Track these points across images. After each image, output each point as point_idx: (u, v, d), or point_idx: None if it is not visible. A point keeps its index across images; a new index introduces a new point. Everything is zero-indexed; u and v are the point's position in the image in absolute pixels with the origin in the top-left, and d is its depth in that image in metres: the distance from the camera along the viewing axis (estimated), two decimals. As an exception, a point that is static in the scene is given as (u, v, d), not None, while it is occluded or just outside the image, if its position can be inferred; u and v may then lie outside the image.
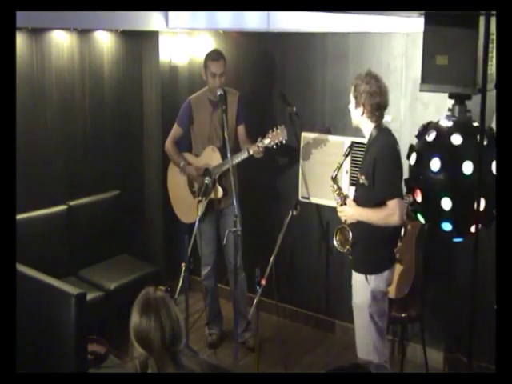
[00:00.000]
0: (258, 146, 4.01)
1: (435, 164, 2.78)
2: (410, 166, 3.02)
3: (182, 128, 4.35)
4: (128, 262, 4.75)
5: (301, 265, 4.72)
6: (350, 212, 3.31)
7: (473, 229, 2.70)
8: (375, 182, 3.18)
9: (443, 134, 2.80)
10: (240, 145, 4.28)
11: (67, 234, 4.44)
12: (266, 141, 4.02)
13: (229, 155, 3.91)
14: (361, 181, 3.26)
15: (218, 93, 4.07)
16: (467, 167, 2.69)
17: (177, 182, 4.46)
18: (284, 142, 4.05)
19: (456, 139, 2.76)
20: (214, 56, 4.17)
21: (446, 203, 2.72)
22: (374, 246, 3.30)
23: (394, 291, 3.61)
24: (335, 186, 3.40)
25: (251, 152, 4.05)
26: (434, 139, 2.82)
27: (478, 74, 2.51)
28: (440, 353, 4.12)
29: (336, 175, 3.44)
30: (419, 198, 2.90)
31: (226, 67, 4.20)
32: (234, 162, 4.01)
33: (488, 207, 2.59)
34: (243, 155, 4.08)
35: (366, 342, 3.34)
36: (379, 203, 3.17)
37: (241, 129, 4.30)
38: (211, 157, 4.22)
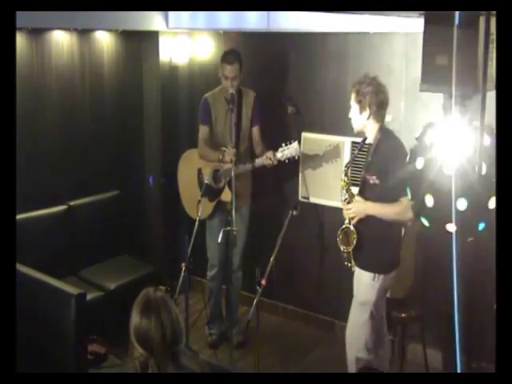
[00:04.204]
0: (271, 159, 4.02)
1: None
2: (416, 168, 2.93)
3: (207, 125, 4.28)
4: (128, 262, 4.76)
5: (301, 265, 4.72)
6: (361, 207, 3.32)
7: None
8: (389, 181, 3.22)
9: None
10: (253, 146, 4.28)
11: (67, 234, 4.44)
12: (279, 155, 4.03)
13: (233, 164, 3.93)
14: (371, 181, 3.29)
15: (229, 92, 4.05)
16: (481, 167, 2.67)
17: (187, 177, 4.45)
18: (297, 157, 4.08)
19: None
20: (228, 59, 4.12)
21: (462, 204, 2.68)
22: (386, 247, 3.37)
23: (393, 291, 3.62)
24: (346, 179, 3.42)
25: (256, 165, 4.10)
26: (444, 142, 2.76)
27: (478, 74, 2.50)
28: (440, 353, 4.12)
29: (348, 168, 3.45)
30: (430, 203, 2.82)
31: (242, 69, 4.15)
32: (238, 172, 4.02)
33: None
34: (246, 167, 4.11)
35: (359, 338, 3.41)
36: (392, 201, 3.22)
37: (255, 130, 4.28)
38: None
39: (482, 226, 2.68)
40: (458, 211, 2.66)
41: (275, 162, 4.05)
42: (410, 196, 2.76)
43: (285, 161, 4.06)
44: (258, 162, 4.12)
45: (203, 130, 4.30)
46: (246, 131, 4.26)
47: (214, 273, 4.43)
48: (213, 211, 4.26)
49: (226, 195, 4.17)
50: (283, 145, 4.05)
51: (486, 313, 3.78)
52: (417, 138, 2.94)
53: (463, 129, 2.76)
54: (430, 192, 2.79)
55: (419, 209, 2.85)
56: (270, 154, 4.04)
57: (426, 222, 2.93)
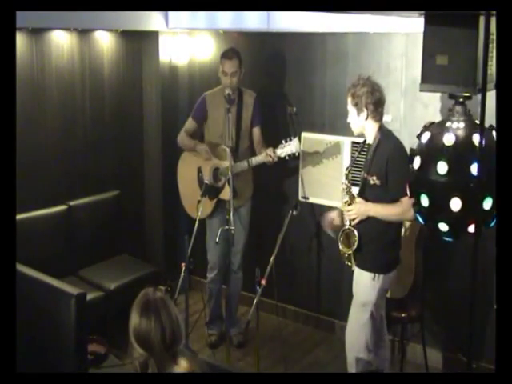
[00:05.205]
0: (271, 156, 4.03)
1: (475, 168, 2.59)
2: (437, 173, 2.76)
3: (195, 122, 4.32)
4: (128, 262, 4.75)
5: (301, 265, 4.72)
6: (362, 208, 3.33)
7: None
8: (389, 181, 3.23)
9: (464, 137, 2.65)
10: (254, 146, 4.29)
11: (67, 234, 4.43)
12: (279, 151, 4.04)
13: (231, 161, 3.93)
14: (372, 182, 3.29)
15: (226, 92, 4.05)
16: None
17: (186, 176, 4.45)
18: (297, 154, 4.08)
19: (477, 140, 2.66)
20: (227, 54, 4.15)
21: (487, 203, 2.62)
22: (385, 247, 3.37)
23: (393, 291, 3.62)
24: (347, 183, 3.42)
25: (253, 164, 4.10)
26: (464, 143, 2.65)
27: (477, 74, 2.50)
28: (440, 353, 4.12)
29: (349, 172, 3.45)
30: (457, 207, 2.69)
31: (242, 67, 4.18)
32: (236, 170, 4.04)
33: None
34: (244, 165, 4.11)
35: (360, 338, 3.41)
36: (392, 201, 3.23)
37: (256, 131, 4.29)
38: (222, 156, 4.22)
39: (493, 222, 2.64)
40: (483, 211, 2.60)
41: (275, 159, 4.05)
42: (426, 204, 2.66)
43: (285, 157, 4.06)
44: (256, 159, 4.12)
45: (190, 124, 4.34)
46: (246, 131, 4.27)
47: (213, 275, 4.42)
48: (213, 210, 4.26)
49: (226, 194, 4.17)
50: (283, 141, 4.05)
51: (485, 312, 3.78)
52: (426, 143, 2.81)
53: (475, 130, 2.70)
54: (458, 196, 2.69)
55: (438, 215, 2.74)
56: (269, 150, 4.04)
57: (445, 227, 2.81)
